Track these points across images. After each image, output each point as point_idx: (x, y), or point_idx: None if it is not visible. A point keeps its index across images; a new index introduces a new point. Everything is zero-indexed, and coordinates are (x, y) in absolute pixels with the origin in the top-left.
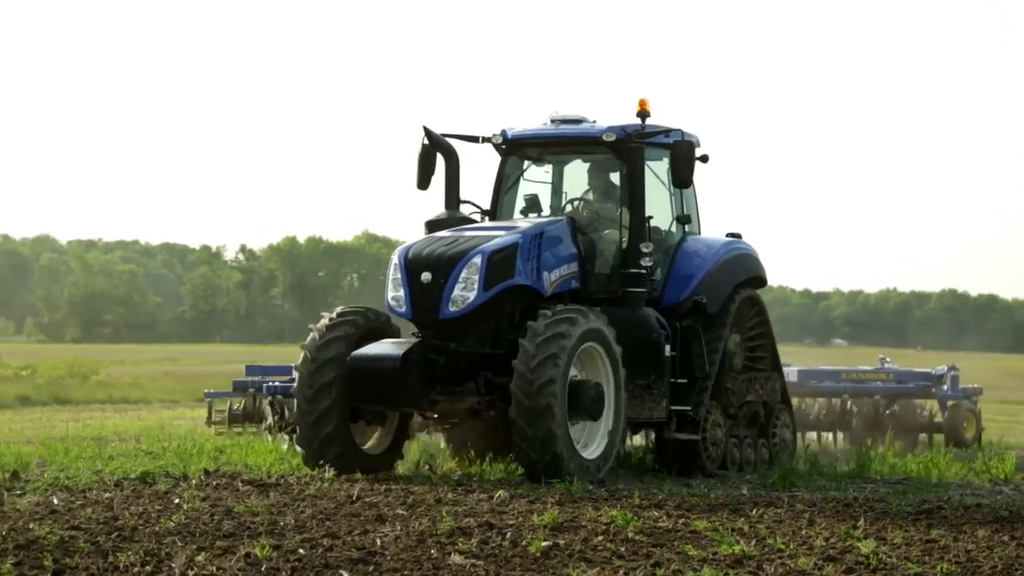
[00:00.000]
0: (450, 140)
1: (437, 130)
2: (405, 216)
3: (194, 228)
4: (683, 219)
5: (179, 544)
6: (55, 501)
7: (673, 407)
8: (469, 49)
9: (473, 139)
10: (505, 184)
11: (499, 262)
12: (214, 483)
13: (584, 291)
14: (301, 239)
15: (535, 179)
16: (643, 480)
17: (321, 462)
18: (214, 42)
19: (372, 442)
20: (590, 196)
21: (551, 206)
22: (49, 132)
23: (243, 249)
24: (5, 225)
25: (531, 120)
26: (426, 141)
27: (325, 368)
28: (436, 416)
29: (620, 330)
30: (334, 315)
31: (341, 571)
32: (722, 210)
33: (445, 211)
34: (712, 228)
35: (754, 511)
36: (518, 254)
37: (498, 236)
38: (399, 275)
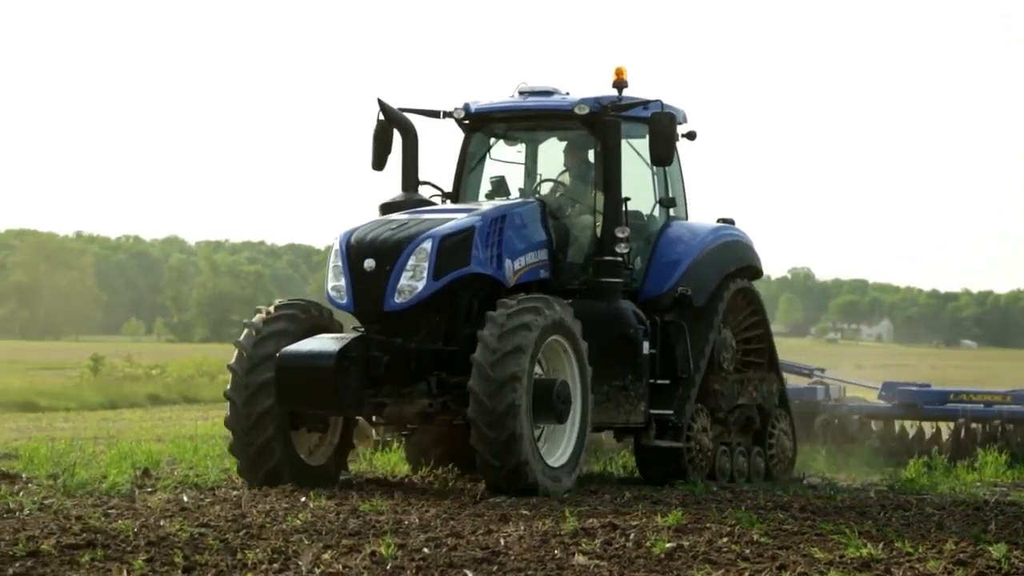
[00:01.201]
0: (408, 115)
1: (394, 104)
2: None
3: (319, 229)
4: (667, 202)
5: (306, 542)
6: (185, 499)
7: (653, 411)
8: (430, 15)
9: (433, 114)
10: (469, 164)
11: (452, 248)
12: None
13: (555, 282)
14: None
15: (503, 159)
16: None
17: (258, 473)
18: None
19: (312, 451)
20: (563, 176)
21: (522, 189)
22: (180, 135)
23: None
24: (136, 226)
25: (498, 93)
26: (381, 116)
27: (262, 367)
28: (384, 422)
29: (592, 324)
30: (271, 309)
31: (465, 570)
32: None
33: (402, 193)
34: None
35: (881, 514)
36: (475, 239)
37: (453, 219)
38: (340, 262)
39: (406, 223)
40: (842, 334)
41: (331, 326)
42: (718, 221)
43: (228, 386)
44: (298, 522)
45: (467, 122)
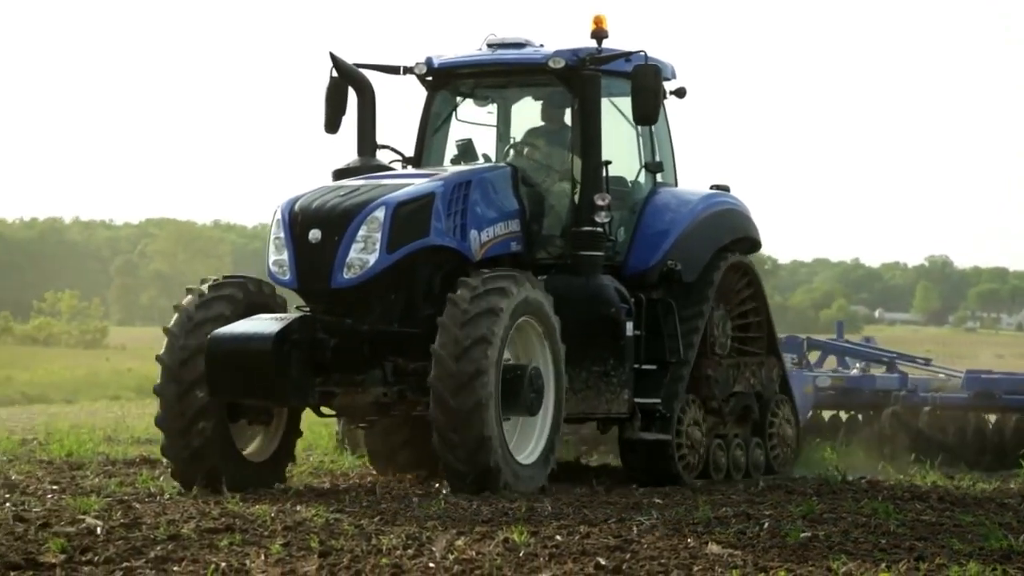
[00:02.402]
0: (364, 71)
1: (348, 59)
2: None
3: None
4: (653, 167)
5: (439, 529)
6: (321, 485)
7: (638, 400)
8: None
9: (393, 70)
10: (432, 125)
11: (409, 217)
12: None
13: (528, 256)
14: None
15: (471, 120)
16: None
17: (194, 476)
18: None
19: (254, 447)
20: (537, 139)
21: (488, 155)
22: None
23: None
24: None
25: (465, 46)
26: (335, 73)
27: (197, 359)
28: (335, 413)
29: (569, 303)
30: (205, 288)
31: (598, 558)
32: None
33: (358, 159)
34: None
35: (1023, 506)
36: (435, 207)
37: (411, 184)
38: (282, 233)
39: (357, 189)
40: (981, 323)
41: (276, 306)
42: (711, 188)
43: (157, 380)
44: (432, 509)
45: (430, 78)
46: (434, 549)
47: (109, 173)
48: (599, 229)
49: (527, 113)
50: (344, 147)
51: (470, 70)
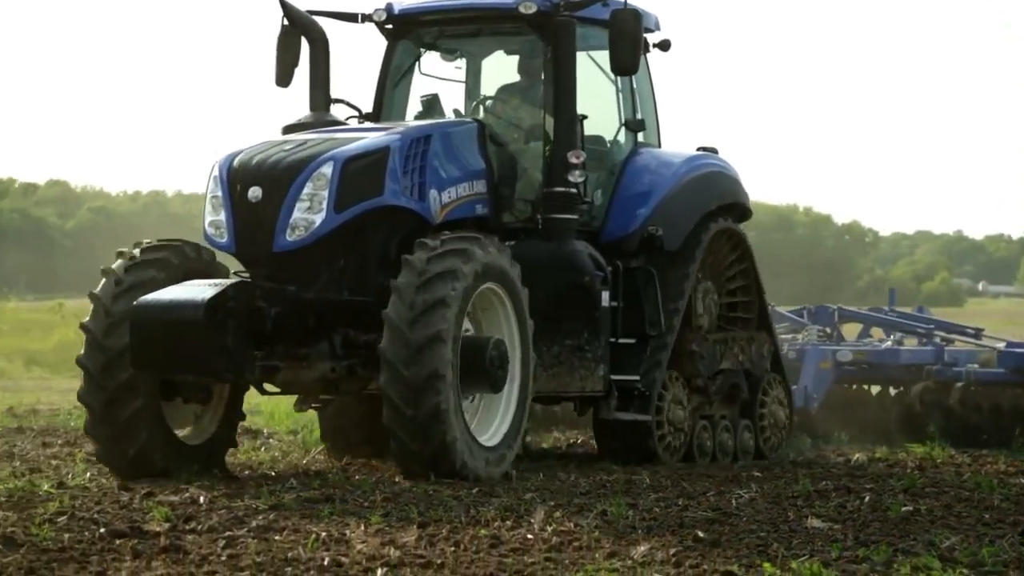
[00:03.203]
0: (318, 19)
1: (301, 5)
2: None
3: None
4: (634, 125)
5: (538, 501)
6: None
7: (615, 377)
8: None
9: (350, 17)
10: (392, 78)
11: (359, 173)
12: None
13: (495, 220)
14: None
15: (436, 74)
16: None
17: (120, 458)
18: None
19: (190, 428)
20: (508, 95)
21: (459, 111)
22: None
23: None
24: None
25: None
26: (285, 21)
27: (125, 324)
28: (279, 390)
29: (538, 270)
30: (137, 252)
31: (697, 531)
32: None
33: (310, 114)
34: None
35: None
36: (390, 163)
37: (364, 138)
38: (219, 192)
39: (303, 144)
40: None
41: (216, 273)
42: (699, 149)
43: (81, 351)
44: (529, 483)
45: (390, 26)
46: (532, 521)
47: (210, 147)
48: (572, 190)
49: (498, 68)
50: (296, 102)
51: (434, 17)
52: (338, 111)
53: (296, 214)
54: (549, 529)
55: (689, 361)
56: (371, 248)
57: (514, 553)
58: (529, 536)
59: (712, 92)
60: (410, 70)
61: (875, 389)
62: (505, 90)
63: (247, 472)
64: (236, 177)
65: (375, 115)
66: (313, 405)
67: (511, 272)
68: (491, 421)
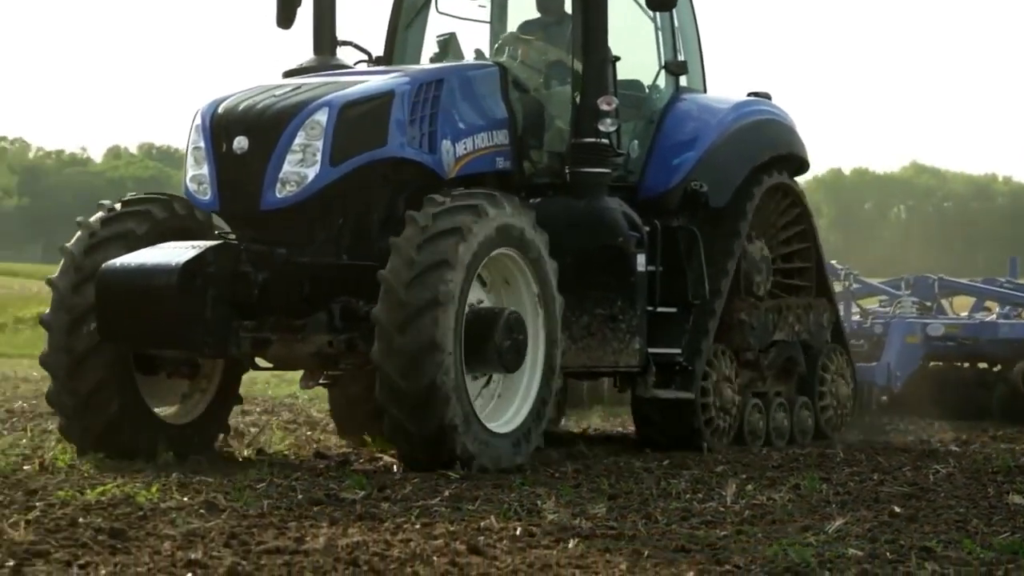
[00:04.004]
0: None
1: None
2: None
3: None
4: (675, 68)
5: (729, 474)
6: (613, 430)
7: (653, 350)
8: None
9: None
10: (406, 17)
11: (359, 121)
12: None
13: (519, 175)
14: (846, 170)
15: (456, 13)
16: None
17: (84, 431)
18: None
19: (175, 407)
20: (534, 34)
21: (479, 50)
22: None
23: None
24: None
25: None
26: None
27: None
28: (272, 365)
29: (566, 232)
30: (118, 205)
31: (893, 505)
32: None
33: (314, 58)
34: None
35: None
36: (394, 109)
37: (366, 82)
38: (202, 143)
39: (297, 88)
40: None
41: (201, 231)
42: (749, 95)
43: (47, 309)
44: (720, 455)
45: None
46: (724, 493)
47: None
48: (603, 141)
49: (525, 5)
50: (299, 45)
51: None
52: (345, 55)
53: (287, 167)
54: (741, 503)
55: (738, 332)
56: (374, 206)
57: (705, 526)
58: (720, 509)
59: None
60: (425, 7)
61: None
62: (531, 29)
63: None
64: (220, 126)
65: (386, 58)
66: (321, 382)
67: (534, 235)
68: (510, 402)
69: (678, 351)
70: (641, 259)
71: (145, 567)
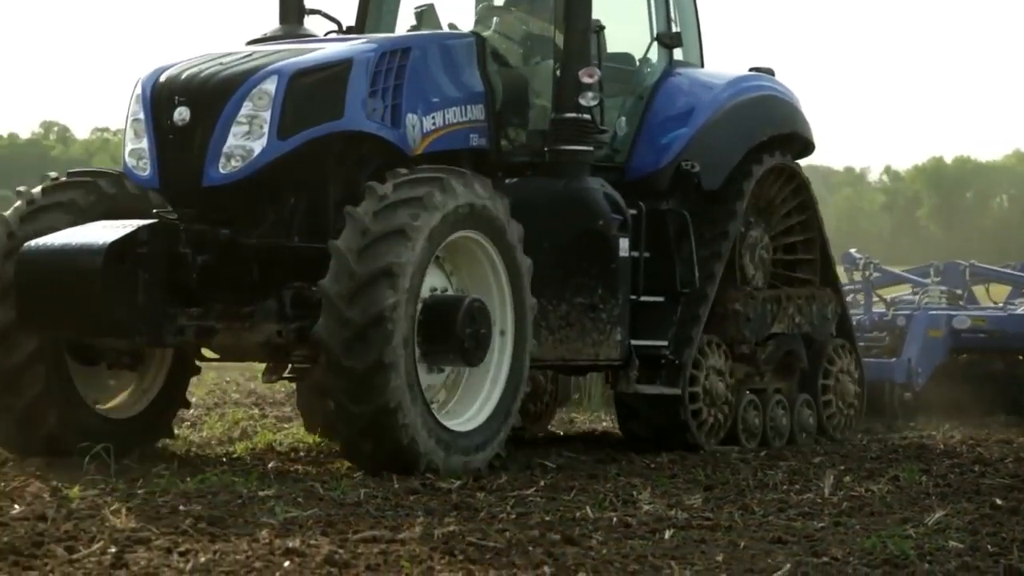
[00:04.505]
0: None
1: None
2: None
3: (838, 150)
4: (668, 39)
5: (827, 465)
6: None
7: (637, 342)
8: None
9: None
10: None
11: (313, 91)
12: None
13: (496, 154)
14: (948, 159)
15: None
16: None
17: (28, 438)
18: None
19: (118, 399)
20: (517, 4)
21: (454, 24)
22: None
23: (887, 170)
24: None
25: None
26: None
27: None
28: (218, 356)
29: (543, 214)
30: (64, 178)
31: (994, 498)
32: None
33: (279, 27)
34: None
35: None
36: (353, 79)
37: (322, 50)
38: (142, 114)
39: (248, 56)
40: None
41: (145, 210)
42: (751, 70)
43: None
44: (817, 446)
45: None
46: (821, 485)
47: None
48: (585, 116)
49: None
50: (265, 14)
51: None
52: (315, 25)
53: (231, 140)
54: (839, 494)
55: (732, 323)
56: (330, 184)
57: (802, 517)
58: (818, 500)
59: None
60: None
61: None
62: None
63: None
64: (162, 95)
65: (358, 28)
66: (285, 376)
67: (502, 217)
68: (471, 402)
69: (664, 343)
70: (624, 244)
71: (243, 554)
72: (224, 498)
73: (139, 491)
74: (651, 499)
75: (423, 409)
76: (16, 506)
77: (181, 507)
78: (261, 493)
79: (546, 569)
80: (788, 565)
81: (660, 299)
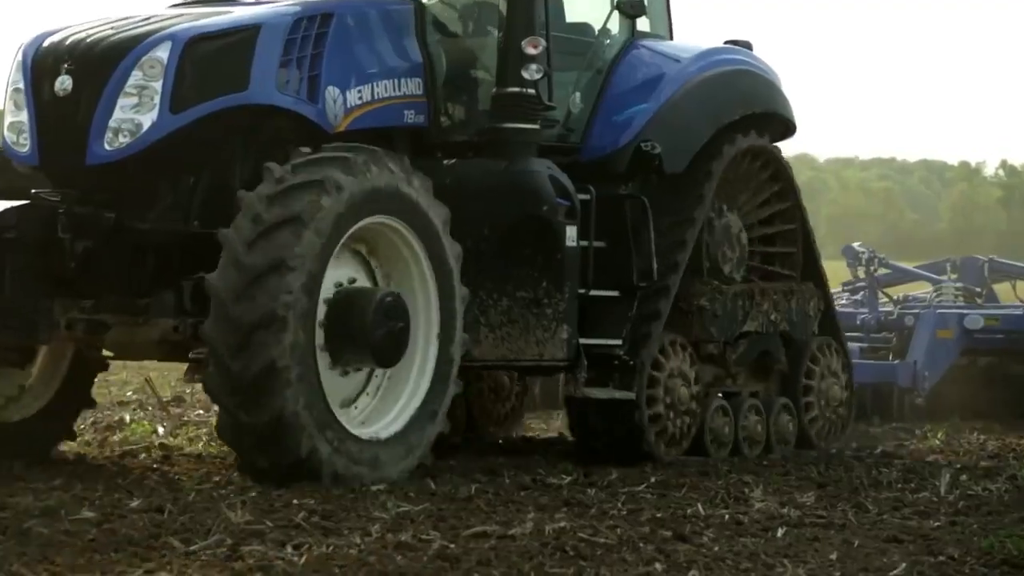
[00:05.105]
0: None
1: None
2: None
3: (952, 144)
4: (630, 8)
5: (941, 463)
6: None
7: (587, 341)
8: None
9: None
10: None
11: (212, 60)
12: None
13: (437, 133)
14: None
15: None
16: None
17: None
18: None
19: (3, 400)
20: None
21: None
22: None
23: (1003, 165)
24: None
25: None
26: None
27: None
28: (112, 355)
29: (482, 199)
30: None
31: None
32: None
33: None
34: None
35: None
36: (260, 47)
37: (226, 14)
38: (22, 83)
39: (144, 20)
40: None
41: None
42: (727, 43)
43: None
44: (930, 443)
45: None
46: (937, 483)
47: None
48: (529, 91)
49: None
50: None
51: None
52: None
53: (119, 113)
54: (955, 493)
55: (697, 320)
56: (236, 165)
57: (918, 516)
58: (933, 499)
59: None
60: None
61: None
62: None
63: None
64: (44, 63)
65: None
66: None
67: (424, 202)
68: (390, 407)
69: (618, 342)
70: (572, 232)
71: (356, 548)
72: (336, 492)
73: (254, 485)
74: (763, 496)
75: (326, 417)
76: (135, 499)
77: (295, 501)
78: (373, 488)
79: (657, 566)
80: (904, 564)
81: (614, 294)
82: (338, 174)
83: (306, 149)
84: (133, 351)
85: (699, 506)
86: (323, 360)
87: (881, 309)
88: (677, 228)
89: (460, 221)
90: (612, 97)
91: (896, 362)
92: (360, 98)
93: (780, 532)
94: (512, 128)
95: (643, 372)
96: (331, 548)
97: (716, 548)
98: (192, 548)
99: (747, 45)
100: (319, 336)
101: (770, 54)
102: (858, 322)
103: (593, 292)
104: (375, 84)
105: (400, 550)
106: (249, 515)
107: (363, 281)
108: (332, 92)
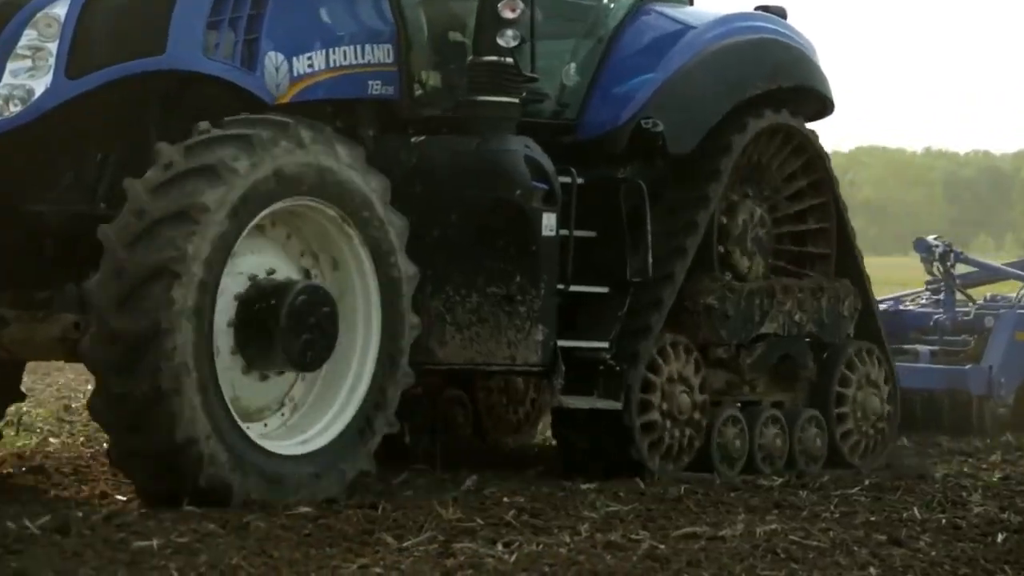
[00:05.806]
0: None
1: None
2: None
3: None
4: None
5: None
6: None
7: (566, 343)
8: None
9: None
10: None
11: (120, 18)
12: None
13: (410, 106)
14: None
15: None
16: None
17: None
18: None
19: None
20: None
21: None
22: None
23: None
24: (987, 142)
25: None
26: None
27: None
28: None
29: (450, 181)
30: None
31: None
32: None
33: None
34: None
35: None
36: (183, 3)
37: None
38: None
39: None
40: None
41: None
42: (758, 9)
43: None
44: (988, 441)
45: None
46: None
47: None
48: (507, 60)
49: None
50: None
51: None
52: None
53: (8, 78)
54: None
55: (704, 321)
56: (151, 138)
57: None
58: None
59: None
60: None
61: None
62: None
63: None
64: None
65: None
66: None
67: (360, 185)
68: (317, 417)
69: (604, 345)
70: (549, 220)
71: (565, 547)
72: (545, 491)
73: (467, 483)
74: (982, 501)
75: (231, 435)
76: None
77: (505, 499)
78: (583, 487)
79: (872, 570)
80: None
81: (603, 290)
82: (236, 156)
83: (204, 125)
84: (32, 350)
85: (915, 510)
86: (236, 365)
87: (959, 309)
88: (687, 207)
89: (427, 206)
90: (613, 67)
91: (968, 367)
92: (311, 66)
93: (1000, 537)
94: (486, 102)
95: (636, 373)
96: (541, 547)
97: (933, 553)
98: (404, 544)
99: (780, 12)
100: (229, 339)
101: (808, 26)
102: (932, 323)
103: (576, 288)
104: (331, 51)
105: (609, 550)
106: (460, 512)
107: (286, 271)
108: (274, 58)
